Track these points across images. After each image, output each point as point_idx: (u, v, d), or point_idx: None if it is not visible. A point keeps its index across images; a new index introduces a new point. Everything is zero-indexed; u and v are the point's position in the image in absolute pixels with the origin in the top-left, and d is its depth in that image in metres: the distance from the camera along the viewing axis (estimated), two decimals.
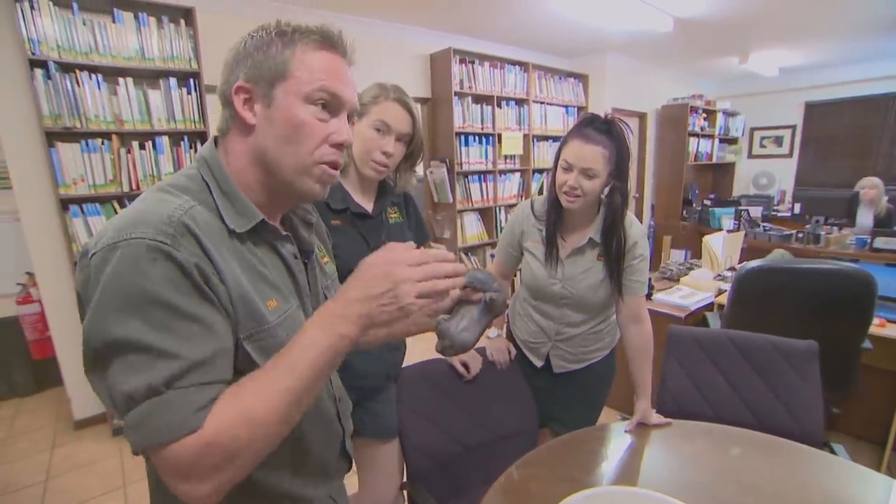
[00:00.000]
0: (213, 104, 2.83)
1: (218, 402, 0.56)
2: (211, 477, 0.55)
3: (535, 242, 1.51)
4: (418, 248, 1.49)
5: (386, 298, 0.60)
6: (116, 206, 2.57)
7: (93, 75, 2.43)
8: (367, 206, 1.35)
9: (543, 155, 4.88)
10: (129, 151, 2.56)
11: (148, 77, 2.65)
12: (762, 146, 7.02)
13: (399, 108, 1.26)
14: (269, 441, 0.58)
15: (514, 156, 4.60)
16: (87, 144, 2.45)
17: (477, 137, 4.24)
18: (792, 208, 4.28)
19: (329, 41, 0.67)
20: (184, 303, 0.56)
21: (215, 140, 0.71)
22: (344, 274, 1.25)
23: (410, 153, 1.35)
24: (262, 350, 0.64)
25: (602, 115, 1.36)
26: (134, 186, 2.58)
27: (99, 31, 2.44)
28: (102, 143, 2.50)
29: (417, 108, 1.32)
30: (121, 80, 2.52)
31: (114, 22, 2.49)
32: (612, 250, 1.41)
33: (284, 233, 0.74)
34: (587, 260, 1.46)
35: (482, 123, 4.26)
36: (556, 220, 1.45)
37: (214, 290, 0.59)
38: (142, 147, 2.61)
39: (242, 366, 0.62)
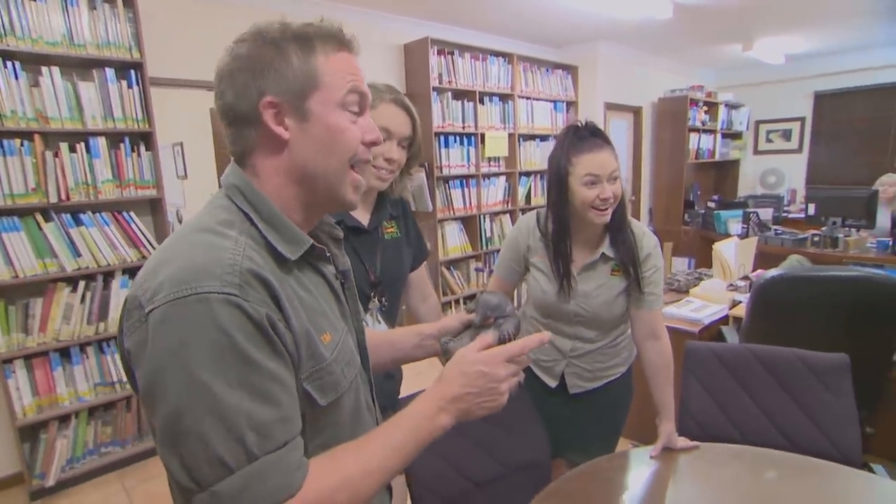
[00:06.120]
0: (160, 100, 2.83)
1: (314, 465, 0.65)
2: None
3: (542, 258, 1.61)
4: (417, 265, 1.55)
5: (486, 397, 0.74)
6: (41, 219, 2.52)
7: (8, 62, 2.38)
8: (363, 219, 1.40)
9: (530, 156, 5.01)
10: (56, 155, 2.52)
11: (78, 66, 2.62)
12: (769, 140, 7.31)
13: (397, 109, 1.32)
14: None
15: (499, 158, 4.71)
16: (1, 146, 2.39)
17: (458, 138, 4.32)
18: (805, 209, 4.43)
19: (343, 40, 0.75)
20: (263, 359, 0.61)
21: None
22: None
23: (410, 156, 1.41)
24: (321, 388, 0.70)
25: (580, 122, 1.50)
26: (63, 196, 2.54)
27: (15, 10, 2.38)
28: (22, 144, 2.45)
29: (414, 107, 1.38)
30: (44, 68, 2.47)
31: None
32: (627, 259, 1.52)
33: (328, 254, 0.80)
34: (600, 275, 1.57)
35: (463, 122, 4.35)
36: (562, 239, 1.54)
37: (282, 338, 0.64)
38: (72, 150, 2.57)
39: (302, 406, 0.68)
